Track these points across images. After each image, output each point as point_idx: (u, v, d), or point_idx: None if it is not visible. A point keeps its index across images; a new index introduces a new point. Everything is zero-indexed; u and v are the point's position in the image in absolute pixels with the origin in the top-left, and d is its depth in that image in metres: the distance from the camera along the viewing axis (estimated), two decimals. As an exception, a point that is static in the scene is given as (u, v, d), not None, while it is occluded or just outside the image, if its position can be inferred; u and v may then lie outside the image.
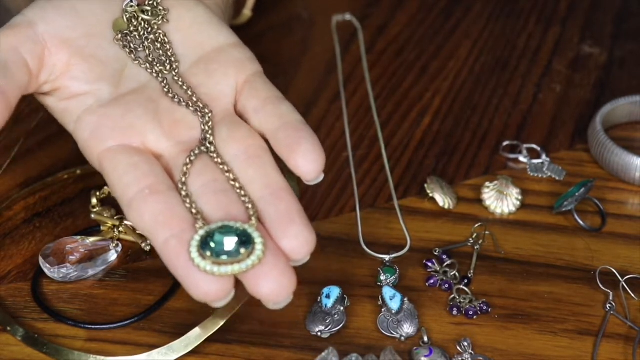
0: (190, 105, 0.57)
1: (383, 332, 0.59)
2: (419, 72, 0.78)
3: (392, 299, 0.60)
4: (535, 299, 0.61)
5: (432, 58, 0.80)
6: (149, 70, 0.58)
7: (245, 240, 0.52)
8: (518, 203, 0.67)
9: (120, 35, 0.59)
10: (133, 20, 0.60)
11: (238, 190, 0.54)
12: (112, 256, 0.63)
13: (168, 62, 0.59)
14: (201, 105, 0.57)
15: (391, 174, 0.69)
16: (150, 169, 0.55)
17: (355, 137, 0.72)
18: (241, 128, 0.57)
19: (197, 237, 0.52)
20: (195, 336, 0.58)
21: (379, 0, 0.85)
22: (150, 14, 0.60)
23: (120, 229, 0.64)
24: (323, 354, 0.57)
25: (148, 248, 0.63)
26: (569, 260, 0.64)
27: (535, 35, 0.82)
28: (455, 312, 0.60)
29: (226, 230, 0.52)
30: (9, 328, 0.59)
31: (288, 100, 0.58)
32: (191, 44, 0.60)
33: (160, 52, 0.59)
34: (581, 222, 0.65)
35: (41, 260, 0.62)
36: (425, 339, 0.59)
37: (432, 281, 0.62)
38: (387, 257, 0.63)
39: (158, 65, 0.59)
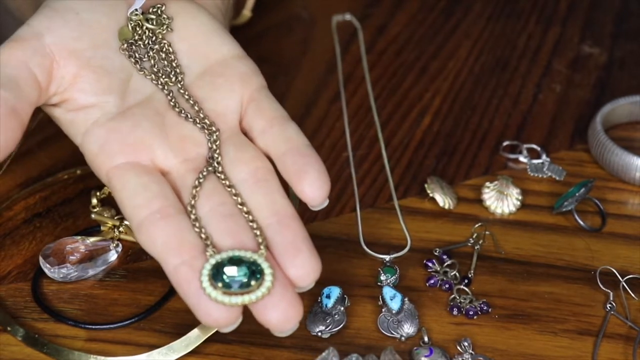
0: (197, 121, 0.57)
1: (383, 332, 0.59)
2: (419, 72, 0.78)
3: (393, 299, 0.60)
4: (535, 299, 0.61)
5: (432, 58, 0.80)
6: (154, 81, 0.59)
7: (255, 271, 0.52)
8: (518, 203, 0.67)
9: (125, 45, 0.59)
10: (137, 29, 0.60)
11: (246, 215, 0.55)
12: (112, 256, 0.63)
13: (173, 73, 0.59)
14: (208, 123, 0.57)
15: (391, 174, 0.69)
16: (160, 189, 0.55)
17: (355, 137, 0.72)
18: (248, 149, 0.57)
19: (208, 266, 0.53)
20: (195, 336, 0.58)
21: (379, 0, 0.85)
22: (154, 22, 0.60)
23: (121, 229, 0.64)
24: (323, 354, 0.57)
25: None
26: (569, 260, 0.64)
27: (535, 35, 0.82)
28: (455, 312, 0.60)
29: (237, 260, 0.53)
30: (9, 328, 0.59)
31: (293, 121, 0.58)
32: (196, 55, 0.60)
33: (165, 62, 0.59)
34: (581, 222, 0.65)
35: (41, 260, 0.62)
36: (426, 339, 0.59)
37: (432, 281, 0.62)
38: (387, 257, 0.63)
39: (163, 76, 0.59)
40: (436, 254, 0.64)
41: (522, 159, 0.70)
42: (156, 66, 0.59)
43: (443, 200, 0.67)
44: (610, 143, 0.68)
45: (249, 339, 0.59)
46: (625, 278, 0.62)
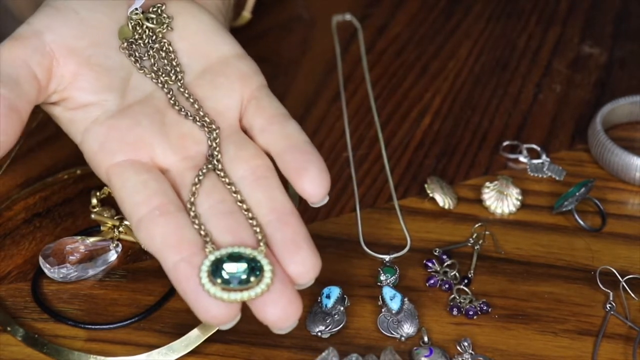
0: (197, 119, 0.57)
1: (383, 332, 0.59)
2: (419, 72, 0.78)
3: (392, 299, 0.60)
4: (535, 299, 0.61)
5: (432, 58, 0.80)
6: (154, 80, 0.59)
7: (255, 268, 0.52)
8: (518, 203, 0.67)
9: (125, 44, 0.59)
10: (138, 28, 0.60)
11: (245, 212, 0.55)
12: (112, 256, 0.63)
13: (173, 72, 0.59)
14: (208, 121, 0.57)
15: (391, 174, 0.69)
16: (159, 187, 0.55)
17: (355, 137, 0.72)
18: (248, 147, 0.57)
19: (208, 262, 0.53)
20: (195, 336, 0.58)
21: (379, 0, 0.85)
22: (154, 21, 0.60)
23: (120, 229, 0.64)
24: (323, 354, 0.57)
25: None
26: (569, 260, 0.64)
27: (535, 35, 0.82)
28: (455, 312, 0.60)
29: (236, 257, 0.53)
30: (9, 328, 0.59)
31: (293, 119, 0.58)
32: (196, 54, 0.60)
33: (165, 61, 0.59)
34: (581, 222, 0.65)
35: (41, 261, 0.62)
36: (426, 339, 0.59)
37: (432, 281, 0.62)
38: (387, 257, 0.63)
39: (163, 75, 0.59)
40: (436, 254, 0.64)
41: (522, 159, 0.70)
42: (156, 65, 0.59)
43: (443, 200, 0.67)
44: (610, 143, 0.68)
45: (249, 339, 0.59)
46: (625, 278, 0.62)
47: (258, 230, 0.54)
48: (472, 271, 0.63)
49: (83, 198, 0.67)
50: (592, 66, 0.79)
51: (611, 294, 0.61)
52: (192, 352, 0.58)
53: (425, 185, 0.67)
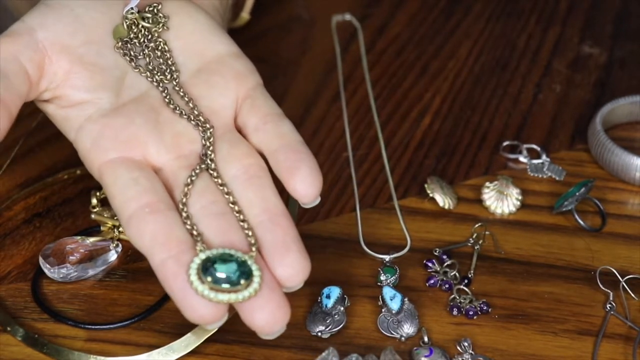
0: (192, 118, 0.57)
1: (383, 332, 0.59)
2: (419, 72, 0.78)
3: (392, 299, 0.60)
4: (535, 299, 0.61)
5: (432, 58, 0.80)
6: (149, 79, 0.59)
7: (244, 272, 0.52)
8: (518, 203, 0.67)
9: (120, 43, 0.59)
10: (133, 27, 0.60)
11: (237, 214, 0.55)
12: (112, 256, 0.63)
13: (168, 71, 0.59)
14: (202, 120, 0.57)
15: (391, 174, 0.69)
16: (151, 185, 0.55)
17: (355, 137, 0.72)
18: (241, 146, 0.57)
19: (198, 261, 0.52)
20: (195, 336, 0.58)
21: (379, 0, 0.85)
22: (150, 21, 0.60)
23: (120, 229, 0.64)
24: (323, 354, 0.57)
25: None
26: (569, 260, 0.64)
27: (535, 35, 0.82)
28: (455, 312, 0.60)
29: (227, 258, 0.53)
30: (9, 328, 0.59)
31: (287, 118, 0.58)
32: (191, 53, 0.60)
33: (161, 60, 0.59)
34: (581, 222, 0.65)
35: (41, 261, 0.62)
36: (426, 339, 0.59)
37: (432, 281, 0.62)
38: (387, 257, 0.63)
39: (158, 74, 0.59)
40: (436, 254, 0.64)
41: (522, 159, 0.70)
42: (151, 64, 0.59)
43: (443, 200, 0.67)
44: (610, 143, 0.68)
45: (249, 339, 0.59)
46: (625, 278, 0.62)
47: (250, 233, 0.54)
48: (472, 271, 0.63)
49: (83, 198, 0.67)
50: (592, 66, 0.79)
51: (611, 294, 0.61)
52: (192, 352, 0.58)
53: (425, 185, 0.67)
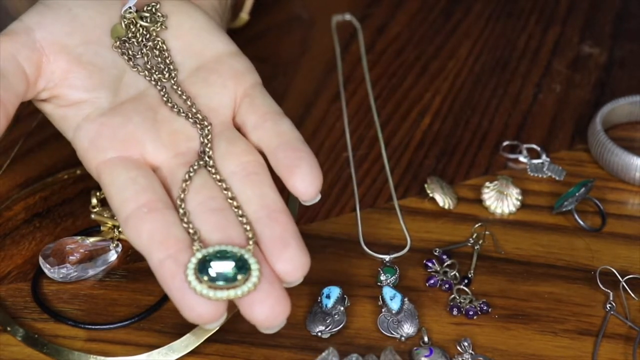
0: (190, 116, 0.57)
1: (383, 332, 0.59)
2: (419, 72, 0.78)
3: (392, 299, 0.60)
4: (535, 299, 0.61)
5: (432, 58, 0.80)
6: (147, 78, 0.58)
7: (242, 267, 0.52)
8: (518, 203, 0.67)
9: (118, 43, 0.59)
10: (131, 27, 0.60)
11: (235, 210, 0.54)
12: (112, 256, 0.63)
13: (167, 70, 0.59)
14: (200, 117, 0.57)
15: (391, 174, 0.69)
16: (149, 183, 0.55)
17: (355, 137, 0.72)
18: (239, 142, 0.57)
19: (194, 260, 0.52)
20: (195, 336, 0.58)
21: (379, 0, 0.85)
22: (148, 20, 0.60)
23: (120, 229, 0.64)
24: (323, 354, 0.57)
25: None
26: (569, 260, 0.64)
27: (535, 35, 0.82)
28: (455, 312, 0.60)
29: (223, 255, 0.52)
30: (9, 328, 0.59)
31: (287, 116, 0.58)
32: (190, 52, 0.60)
33: (159, 59, 0.59)
34: (581, 222, 0.65)
35: (41, 261, 0.62)
36: (426, 339, 0.59)
37: (432, 281, 0.62)
38: (387, 257, 0.63)
39: (156, 73, 0.59)
40: (436, 254, 0.64)
41: (522, 159, 0.70)
42: (149, 63, 0.59)
43: (443, 200, 0.67)
44: (610, 143, 0.68)
45: (249, 339, 0.59)
46: (625, 278, 0.62)
47: (248, 228, 0.54)
48: (472, 271, 0.63)
49: (83, 198, 0.67)
50: (592, 66, 0.79)
51: (611, 294, 0.61)
52: (192, 352, 0.58)
53: (425, 185, 0.67)
